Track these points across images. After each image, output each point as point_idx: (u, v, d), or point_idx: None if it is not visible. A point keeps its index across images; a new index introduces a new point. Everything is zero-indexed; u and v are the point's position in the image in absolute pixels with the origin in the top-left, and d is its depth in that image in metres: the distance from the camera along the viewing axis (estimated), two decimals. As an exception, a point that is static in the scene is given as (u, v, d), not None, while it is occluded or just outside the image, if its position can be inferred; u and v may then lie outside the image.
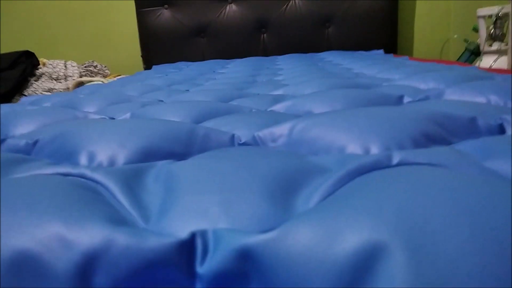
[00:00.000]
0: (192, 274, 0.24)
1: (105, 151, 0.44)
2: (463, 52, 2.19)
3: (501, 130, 0.48)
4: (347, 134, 0.44)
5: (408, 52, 2.55)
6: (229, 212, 0.28)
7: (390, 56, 2.01)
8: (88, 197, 0.29)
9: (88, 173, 0.35)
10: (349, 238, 0.22)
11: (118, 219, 0.26)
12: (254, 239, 0.23)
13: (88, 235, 0.23)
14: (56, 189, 0.29)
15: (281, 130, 0.50)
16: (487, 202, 0.23)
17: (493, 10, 1.89)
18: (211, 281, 0.23)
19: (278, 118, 0.60)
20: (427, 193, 0.25)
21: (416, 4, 2.51)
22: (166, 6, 2.51)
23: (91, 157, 0.44)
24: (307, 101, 0.72)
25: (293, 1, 2.44)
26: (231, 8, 2.49)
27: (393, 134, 0.42)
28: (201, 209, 0.29)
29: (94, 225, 0.24)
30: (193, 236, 0.24)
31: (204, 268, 0.24)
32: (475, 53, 2.13)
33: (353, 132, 0.44)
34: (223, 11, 2.49)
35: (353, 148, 0.42)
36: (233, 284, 0.23)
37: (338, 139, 0.44)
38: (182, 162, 0.39)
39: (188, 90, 1.20)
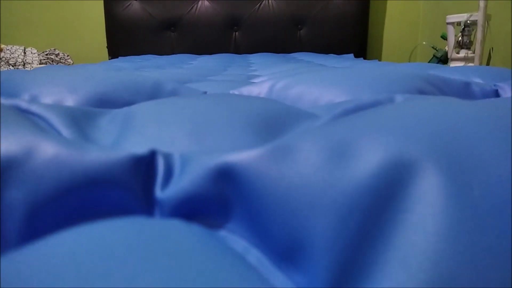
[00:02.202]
0: (149, 199, 0.17)
1: (51, 94, 0.36)
2: (431, 59, 2.22)
3: (496, 96, 0.45)
4: (336, 88, 0.39)
5: (377, 57, 2.57)
6: (201, 141, 0.22)
7: (360, 59, 2.01)
8: (16, 116, 0.22)
9: (23, 104, 0.28)
10: (368, 155, 0.17)
11: (48, 132, 0.19)
12: (238, 156, 0.17)
13: (2, 140, 0.16)
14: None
15: (260, 88, 0.45)
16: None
17: (462, 17, 1.93)
18: (174, 208, 0.17)
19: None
20: (458, 110, 0.20)
21: (387, 9, 2.54)
22: (136, -4, 2.41)
23: (33, 100, 0.36)
24: (283, 76, 0.66)
25: (267, 1, 2.40)
26: (204, 3, 2.43)
27: (387, 87, 0.37)
28: (166, 138, 0.23)
29: (12, 131, 0.17)
30: (152, 155, 0.18)
31: (166, 192, 0.17)
32: (442, 60, 2.17)
33: (343, 86, 0.38)
34: (195, 6, 2.42)
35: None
36: (205, 212, 0.17)
37: (326, 94, 0.39)
38: (145, 102, 0.32)
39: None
